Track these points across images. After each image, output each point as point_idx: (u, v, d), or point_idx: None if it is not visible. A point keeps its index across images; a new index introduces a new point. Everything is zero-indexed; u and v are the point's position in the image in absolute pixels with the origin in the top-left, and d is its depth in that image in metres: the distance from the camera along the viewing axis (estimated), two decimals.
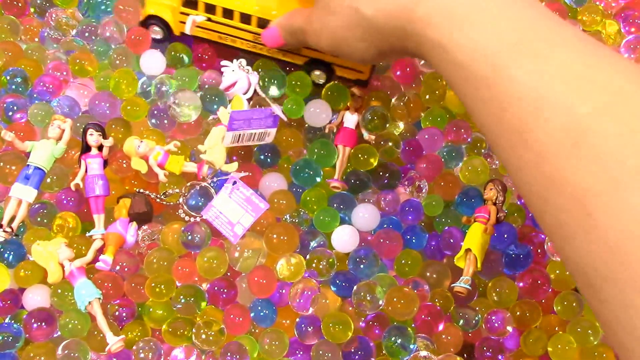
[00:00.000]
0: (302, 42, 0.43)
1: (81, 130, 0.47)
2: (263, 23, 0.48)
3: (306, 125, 0.51)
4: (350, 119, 0.50)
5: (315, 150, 0.49)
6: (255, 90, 0.49)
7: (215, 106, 0.49)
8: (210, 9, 0.49)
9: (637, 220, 0.24)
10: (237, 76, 0.49)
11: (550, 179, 0.27)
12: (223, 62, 0.49)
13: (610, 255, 0.25)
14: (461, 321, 0.46)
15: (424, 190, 0.50)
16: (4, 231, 0.44)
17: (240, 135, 0.47)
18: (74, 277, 0.43)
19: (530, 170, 0.29)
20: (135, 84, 0.50)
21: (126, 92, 0.50)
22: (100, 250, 0.45)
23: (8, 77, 0.50)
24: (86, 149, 0.46)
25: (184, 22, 0.50)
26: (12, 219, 0.45)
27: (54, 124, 0.46)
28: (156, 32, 0.52)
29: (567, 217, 0.27)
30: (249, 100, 0.49)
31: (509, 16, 0.31)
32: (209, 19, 0.49)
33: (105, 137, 0.46)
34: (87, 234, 0.46)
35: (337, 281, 0.47)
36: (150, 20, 0.51)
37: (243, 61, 0.49)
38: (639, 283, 0.24)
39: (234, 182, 0.47)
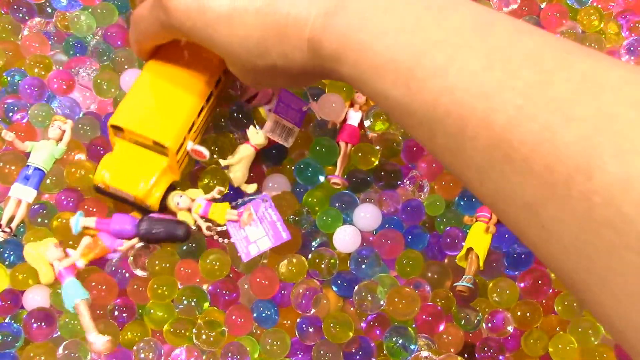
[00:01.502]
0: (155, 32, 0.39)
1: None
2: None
3: (313, 122, 0.51)
4: (354, 116, 0.50)
5: (317, 148, 0.49)
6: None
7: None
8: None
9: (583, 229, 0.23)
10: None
11: (498, 195, 0.26)
12: None
13: (569, 262, 0.24)
14: (462, 321, 0.46)
15: (425, 190, 0.50)
16: (3, 231, 0.44)
17: (277, 124, 0.45)
18: (62, 277, 0.42)
19: (478, 187, 0.27)
20: None
21: None
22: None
23: (9, 78, 0.50)
24: None
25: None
26: (11, 219, 0.45)
27: (54, 124, 0.46)
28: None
29: (524, 228, 0.26)
30: (270, 111, 0.47)
31: (401, 27, 0.29)
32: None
33: None
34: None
35: (339, 281, 0.47)
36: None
37: None
38: (606, 285, 0.23)
39: (266, 200, 0.45)
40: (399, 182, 0.50)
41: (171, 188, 0.44)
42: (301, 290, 0.45)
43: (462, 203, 0.49)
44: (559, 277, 0.26)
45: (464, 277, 0.44)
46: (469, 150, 0.26)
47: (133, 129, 0.41)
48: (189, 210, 0.44)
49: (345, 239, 0.47)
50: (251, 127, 0.46)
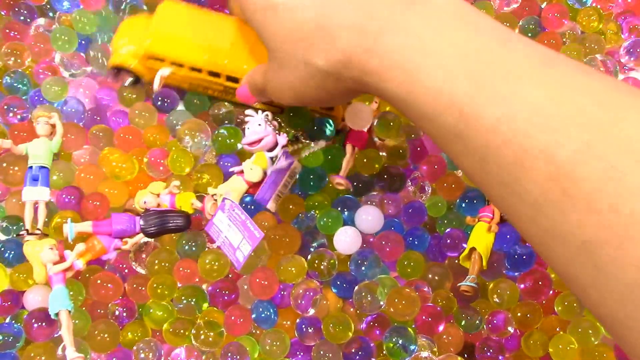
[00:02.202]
0: (269, 99, 0.41)
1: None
2: (232, 78, 0.47)
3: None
4: None
5: (329, 157, 0.49)
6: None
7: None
8: (178, 64, 0.47)
9: None
10: (265, 132, 0.45)
11: (551, 232, 0.25)
12: (247, 111, 0.46)
13: (624, 308, 0.24)
14: (463, 322, 0.46)
15: (427, 191, 0.50)
16: (33, 234, 0.44)
17: (278, 195, 0.46)
18: (52, 282, 0.42)
19: (528, 223, 0.27)
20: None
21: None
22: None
23: (9, 79, 0.51)
24: None
25: (153, 71, 0.48)
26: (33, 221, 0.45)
27: (40, 121, 0.46)
28: (126, 79, 0.50)
29: (576, 269, 0.25)
30: (272, 159, 0.46)
31: (462, 52, 0.28)
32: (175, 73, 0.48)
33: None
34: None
35: (338, 282, 0.47)
36: (117, 70, 0.50)
37: (269, 114, 0.46)
38: None
39: (226, 199, 0.44)
40: (402, 186, 0.50)
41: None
42: (301, 291, 0.45)
43: (463, 205, 0.49)
44: (609, 325, 0.25)
45: (467, 277, 0.44)
46: (524, 183, 0.26)
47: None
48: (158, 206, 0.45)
49: (346, 240, 0.47)
50: (248, 161, 0.45)
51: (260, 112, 0.45)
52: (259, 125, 0.45)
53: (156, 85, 0.48)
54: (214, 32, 0.47)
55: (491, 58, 0.28)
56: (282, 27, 0.34)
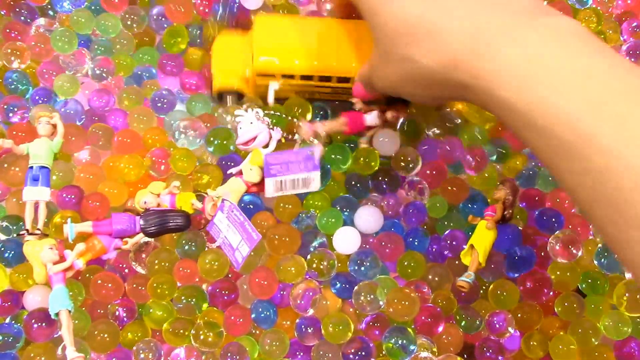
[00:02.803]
0: (380, 92, 0.42)
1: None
2: (343, 78, 0.47)
3: None
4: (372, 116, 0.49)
5: (332, 157, 0.49)
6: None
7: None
8: (288, 75, 0.48)
9: None
10: (258, 129, 0.45)
11: None
12: (237, 112, 0.46)
13: None
14: (463, 322, 0.46)
15: (425, 193, 0.50)
16: (33, 234, 0.44)
17: (282, 182, 0.45)
18: (52, 282, 0.42)
19: (637, 248, 0.26)
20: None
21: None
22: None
23: (9, 79, 0.51)
24: None
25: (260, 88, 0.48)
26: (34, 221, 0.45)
27: (41, 121, 0.46)
28: (232, 100, 0.51)
29: None
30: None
31: (582, 71, 0.28)
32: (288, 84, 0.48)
33: None
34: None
35: (338, 282, 0.47)
36: (222, 95, 0.50)
37: (259, 111, 0.46)
38: None
39: (225, 200, 0.44)
40: (397, 188, 0.50)
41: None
42: (300, 291, 0.45)
43: (468, 208, 0.49)
44: None
45: (465, 273, 0.44)
46: None
47: None
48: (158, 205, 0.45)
49: (346, 239, 0.47)
50: (246, 162, 0.45)
51: (250, 110, 0.46)
52: (251, 123, 0.45)
53: (270, 100, 0.48)
54: (317, 36, 0.47)
55: (611, 80, 0.27)
56: (392, 17, 0.35)
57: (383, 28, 0.36)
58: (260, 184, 0.45)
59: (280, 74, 0.47)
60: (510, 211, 0.45)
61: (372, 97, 0.45)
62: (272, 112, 0.48)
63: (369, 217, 0.48)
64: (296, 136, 0.46)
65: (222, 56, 0.50)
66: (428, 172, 0.50)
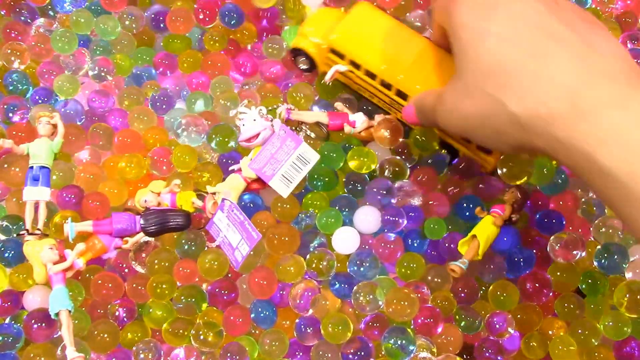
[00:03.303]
0: (433, 123, 0.40)
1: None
2: (402, 94, 0.46)
3: None
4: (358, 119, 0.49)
5: (325, 153, 0.49)
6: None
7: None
8: (355, 65, 0.48)
9: None
10: (261, 126, 0.45)
11: None
12: (240, 109, 0.46)
13: None
14: (462, 322, 0.46)
15: (417, 197, 0.49)
16: (33, 234, 0.44)
17: (283, 176, 0.45)
18: (52, 282, 0.42)
19: None
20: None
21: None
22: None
23: (9, 79, 0.51)
24: None
25: (329, 65, 0.48)
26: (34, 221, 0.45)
27: (42, 121, 0.46)
28: (303, 63, 0.52)
29: None
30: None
31: None
32: (352, 72, 0.48)
33: None
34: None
35: (337, 282, 0.47)
36: (297, 52, 0.51)
37: (263, 109, 0.46)
38: None
39: (225, 200, 0.45)
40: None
41: None
42: (299, 291, 0.45)
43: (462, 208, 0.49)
44: None
45: (460, 259, 0.44)
46: None
47: None
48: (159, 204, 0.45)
49: (345, 239, 0.47)
50: (245, 158, 0.46)
51: (253, 107, 0.46)
52: (254, 120, 0.45)
53: (328, 77, 0.48)
54: (400, 45, 0.47)
55: None
56: (488, 54, 0.33)
57: (474, 62, 0.34)
58: (261, 180, 0.45)
59: (348, 58, 0.47)
60: (518, 216, 0.45)
61: (419, 124, 0.44)
62: (273, 106, 0.48)
63: (368, 217, 0.48)
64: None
65: (315, 22, 0.51)
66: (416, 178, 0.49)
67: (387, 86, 0.47)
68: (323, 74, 0.49)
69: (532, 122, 0.32)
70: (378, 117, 0.49)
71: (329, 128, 0.49)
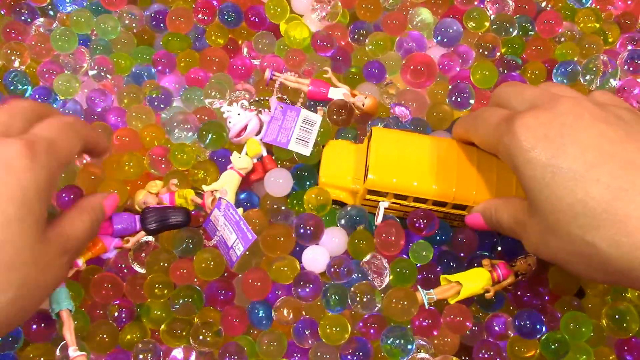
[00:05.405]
0: (507, 233, 0.40)
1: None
2: (459, 205, 0.44)
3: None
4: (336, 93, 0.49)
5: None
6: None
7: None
8: (401, 196, 0.45)
9: None
10: (246, 117, 0.45)
11: None
12: (223, 108, 0.46)
13: None
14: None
15: (385, 273, 0.46)
16: None
17: (298, 138, 0.45)
18: None
19: None
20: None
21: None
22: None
23: (9, 79, 0.51)
24: None
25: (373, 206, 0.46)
26: None
27: None
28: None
29: None
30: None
31: None
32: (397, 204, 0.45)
33: None
34: None
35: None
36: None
37: (244, 102, 0.46)
38: None
39: (222, 199, 0.45)
40: None
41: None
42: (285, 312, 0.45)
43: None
44: None
45: (431, 290, 0.43)
46: None
47: None
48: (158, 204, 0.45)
49: (315, 258, 0.46)
50: (234, 152, 0.46)
51: (235, 104, 0.46)
52: (238, 114, 0.46)
53: (379, 220, 0.45)
54: (436, 159, 0.44)
55: None
56: (565, 194, 0.33)
57: (551, 202, 0.33)
58: (257, 171, 0.46)
59: (393, 193, 0.45)
60: (512, 286, 0.44)
61: (489, 229, 0.43)
62: (259, 98, 0.49)
63: (316, 257, 0.46)
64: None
65: (331, 164, 0.47)
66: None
67: (442, 204, 0.45)
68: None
69: (631, 265, 0.31)
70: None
71: (308, 96, 0.49)
